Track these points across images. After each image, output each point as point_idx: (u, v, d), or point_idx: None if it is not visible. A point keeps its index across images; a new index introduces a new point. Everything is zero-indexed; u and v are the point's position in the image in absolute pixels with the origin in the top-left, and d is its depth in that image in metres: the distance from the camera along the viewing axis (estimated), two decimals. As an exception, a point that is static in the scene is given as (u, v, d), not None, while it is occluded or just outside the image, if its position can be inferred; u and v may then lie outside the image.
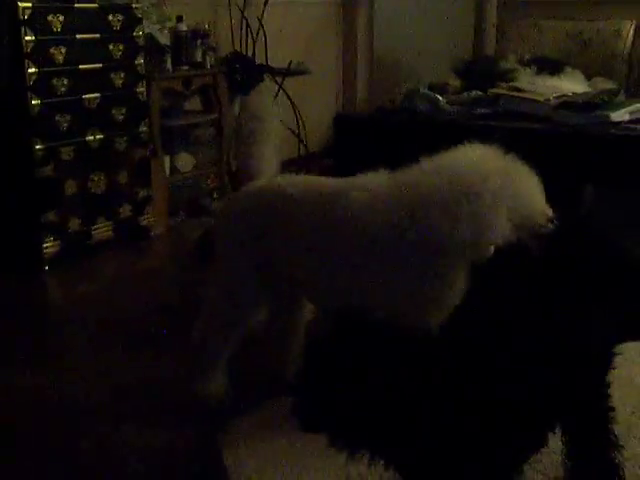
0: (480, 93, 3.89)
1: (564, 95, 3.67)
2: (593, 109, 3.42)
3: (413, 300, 2.18)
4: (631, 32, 5.51)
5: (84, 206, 4.42)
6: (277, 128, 2.61)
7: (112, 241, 4.59)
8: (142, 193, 4.75)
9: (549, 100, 3.56)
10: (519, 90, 3.67)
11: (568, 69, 4.45)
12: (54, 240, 4.29)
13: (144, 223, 4.78)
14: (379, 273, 2.22)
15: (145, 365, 3.14)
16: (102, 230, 4.54)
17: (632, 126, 3.31)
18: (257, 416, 2.62)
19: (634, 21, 5.49)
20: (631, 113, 3.42)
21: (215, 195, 5.56)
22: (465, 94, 3.91)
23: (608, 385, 1.88)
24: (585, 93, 3.80)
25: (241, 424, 2.56)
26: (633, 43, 5.51)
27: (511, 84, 3.84)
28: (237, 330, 2.61)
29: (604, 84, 4.44)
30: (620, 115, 3.36)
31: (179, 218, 5.10)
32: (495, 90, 3.74)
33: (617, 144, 3.00)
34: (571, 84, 4.13)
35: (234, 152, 2.73)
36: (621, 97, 3.87)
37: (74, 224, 4.38)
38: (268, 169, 2.61)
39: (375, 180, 2.36)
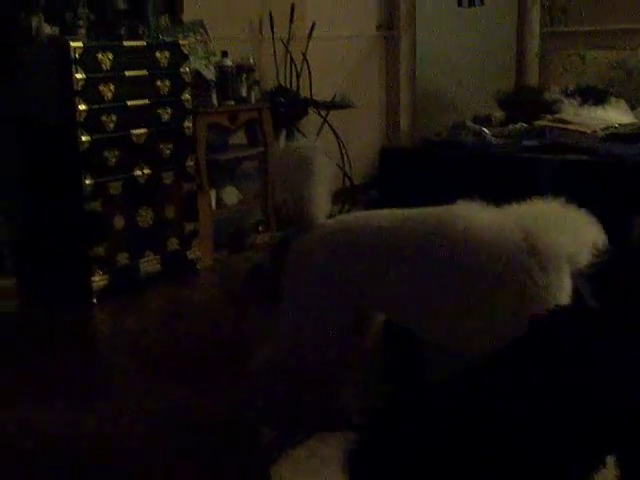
0: (525, 125, 3.87)
1: (610, 126, 3.65)
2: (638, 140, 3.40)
3: None
4: (674, 61, 5.50)
5: (132, 240, 4.48)
6: (328, 163, 2.64)
7: (159, 274, 4.64)
8: (189, 227, 4.80)
9: (595, 132, 3.53)
10: (565, 122, 3.66)
11: (612, 99, 4.42)
12: (103, 274, 4.35)
13: (191, 257, 4.83)
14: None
15: (194, 399, 3.16)
16: (150, 263, 4.59)
17: (680, 156, 3.28)
18: (309, 449, 2.62)
19: (677, 49, 5.48)
20: (678, 144, 3.39)
21: (260, 229, 5.59)
22: (510, 126, 3.89)
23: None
24: (631, 124, 3.77)
25: (293, 457, 2.56)
26: (677, 72, 5.49)
27: (556, 116, 3.82)
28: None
29: (650, 114, 4.41)
30: (667, 146, 3.33)
31: (225, 252, 5.14)
32: (541, 122, 3.72)
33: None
34: (616, 114, 4.10)
35: (281, 188, 2.59)
36: (667, 127, 3.85)
37: (122, 258, 4.44)
38: (325, 204, 2.64)
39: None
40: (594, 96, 4.40)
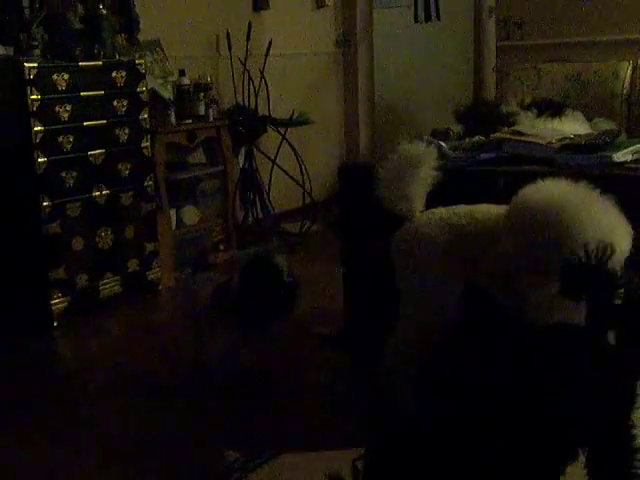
0: (482, 138, 3.89)
1: (566, 137, 3.68)
2: (595, 150, 3.43)
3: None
4: (629, 73, 5.54)
5: (91, 262, 4.44)
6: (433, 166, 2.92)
7: (120, 296, 4.60)
8: (149, 247, 4.76)
9: (551, 143, 3.56)
10: (521, 134, 3.68)
11: (569, 111, 4.45)
12: (62, 296, 4.30)
13: (151, 277, 4.79)
14: None
15: (157, 420, 3.13)
16: (110, 285, 4.55)
17: (634, 166, 3.31)
18: (268, 472, 2.60)
19: (632, 62, 5.53)
20: (633, 153, 3.42)
21: (221, 247, 5.57)
22: (467, 139, 3.91)
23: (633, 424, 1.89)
24: (587, 134, 3.80)
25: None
26: (631, 84, 5.54)
27: (513, 128, 3.85)
28: None
29: (605, 125, 4.45)
30: (622, 156, 3.36)
31: (186, 272, 5.10)
32: (498, 134, 3.75)
33: (620, 184, 2.99)
34: (572, 126, 4.14)
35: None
36: (622, 137, 3.88)
37: (82, 280, 4.40)
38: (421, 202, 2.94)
39: None
40: (550, 108, 4.43)
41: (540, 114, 4.34)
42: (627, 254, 2.34)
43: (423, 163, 2.89)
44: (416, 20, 7.38)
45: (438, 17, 7.44)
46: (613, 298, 1.88)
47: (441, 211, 2.92)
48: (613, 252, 1.98)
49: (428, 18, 7.42)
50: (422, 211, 2.95)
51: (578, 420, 1.82)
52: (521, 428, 1.79)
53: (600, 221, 2.49)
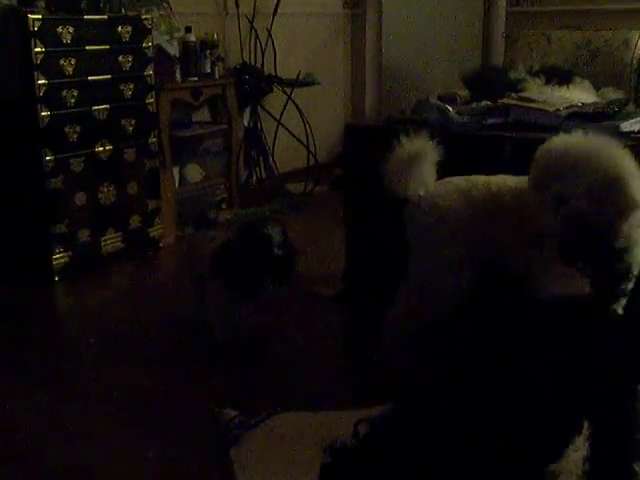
0: (489, 103, 3.86)
1: (573, 105, 3.65)
2: (602, 119, 3.41)
3: None
4: (639, 42, 5.50)
5: (93, 217, 4.43)
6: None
7: (122, 252, 4.59)
8: (151, 204, 4.75)
9: (559, 110, 3.53)
10: (528, 100, 3.65)
11: (577, 79, 4.41)
12: (64, 251, 4.30)
13: (153, 234, 4.79)
14: None
15: (155, 378, 3.14)
16: (112, 241, 4.55)
17: (640, 136, 3.29)
18: (268, 429, 2.61)
19: (642, 31, 5.49)
20: (640, 123, 3.40)
21: (223, 206, 5.55)
22: (474, 104, 3.89)
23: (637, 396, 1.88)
24: (594, 103, 3.77)
25: (252, 437, 2.55)
26: (641, 53, 5.49)
27: (520, 94, 3.82)
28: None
29: (613, 94, 4.41)
30: (630, 125, 3.34)
31: (188, 230, 5.09)
32: (505, 100, 3.72)
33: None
34: (580, 94, 4.10)
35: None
36: (630, 107, 3.85)
37: (83, 235, 4.39)
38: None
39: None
40: (558, 76, 4.39)
41: (548, 81, 4.29)
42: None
43: (424, 158, 2.88)
44: (426, -17, 7.31)
45: (449, -20, 7.37)
46: (615, 269, 1.87)
47: (458, 181, 2.92)
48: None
49: (438, -19, 7.35)
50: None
51: (586, 389, 1.81)
52: (530, 398, 1.78)
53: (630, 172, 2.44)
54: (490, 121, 3.55)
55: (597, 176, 2.40)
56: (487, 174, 2.95)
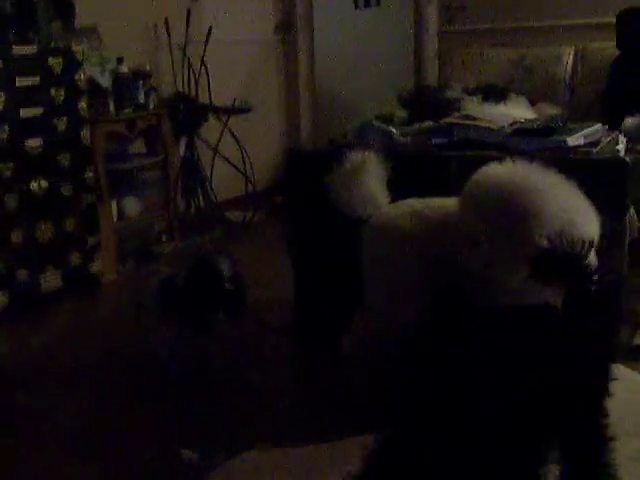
0: (431, 123, 3.85)
1: (517, 122, 3.65)
2: (548, 134, 3.40)
3: None
4: (571, 57, 5.58)
5: (31, 256, 4.29)
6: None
7: (62, 290, 4.45)
8: (91, 240, 4.62)
9: (502, 127, 3.52)
10: (472, 118, 3.64)
11: (513, 96, 4.44)
12: (1, 291, 4.15)
13: (94, 271, 4.66)
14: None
15: (104, 418, 3.02)
16: (51, 279, 4.41)
17: (588, 149, 3.29)
18: (225, 472, 2.51)
19: (573, 47, 5.55)
20: (585, 137, 3.40)
21: (163, 238, 5.44)
22: (417, 125, 3.86)
23: (606, 412, 1.84)
24: (536, 119, 3.78)
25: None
26: (573, 69, 5.56)
27: (463, 113, 3.81)
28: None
29: (549, 109, 4.44)
30: (577, 139, 3.34)
31: (128, 265, 4.97)
32: (449, 119, 3.70)
33: (575, 168, 2.96)
34: (518, 110, 4.11)
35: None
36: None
37: (22, 274, 4.25)
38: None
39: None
40: (495, 93, 4.41)
41: (485, 99, 4.30)
42: (595, 238, 2.29)
43: (369, 171, 2.90)
44: (356, 6, 7.34)
45: (378, 2, 7.40)
46: (587, 284, 1.83)
47: (412, 202, 2.88)
48: (586, 243, 1.94)
49: (368, 4, 7.38)
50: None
51: (554, 406, 1.77)
52: (496, 417, 1.73)
53: (563, 199, 2.45)
54: (436, 141, 3.53)
55: (501, 212, 2.42)
56: (435, 195, 2.92)
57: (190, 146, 5.79)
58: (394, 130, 3.61)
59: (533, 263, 1.99)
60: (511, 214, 2.40)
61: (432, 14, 6.53)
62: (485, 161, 2.83)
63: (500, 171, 2.57)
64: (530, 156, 2.92)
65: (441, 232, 2.74)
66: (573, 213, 2.45)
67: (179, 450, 2.58)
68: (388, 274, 2.84)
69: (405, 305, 2.80)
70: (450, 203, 2.82)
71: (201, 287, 3.08)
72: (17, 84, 4.16)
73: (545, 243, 2.34)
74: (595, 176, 3.00)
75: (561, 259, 1.87)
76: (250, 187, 6.08)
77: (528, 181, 2.47)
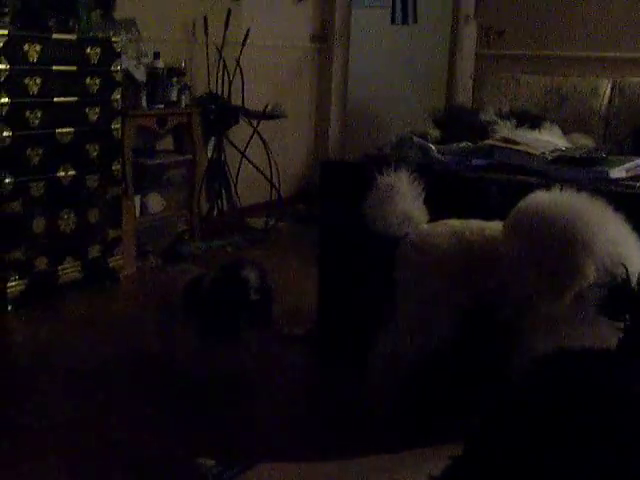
0: (470, 144, 3.79)
1: (558, 149, 3.59)
2: (590, 165, 3.33)
3: None
4: (608, 90, 5.51)
5: (52, 245, 4.23)
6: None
7: (80, 282, 4.39)
8: (112, 234, 4.56)
9: (544, 153, 3.46)
10: (513, 142, 3.57)
11: (546, 124, 4.39)
12: (19, 279, 4.09)
13: (113, 265, 4.59)
14: None
15: (122, 422, 2.95)
16: (70, 270, 4.34)
17: (631, 183, 3.22)
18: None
19: (611, 79, 5.49)
20: (627, 170, 3.33)
21: (185, 238, 5.39)
22: (455, 145, 3.80)
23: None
24: (577, 148, 3.72)
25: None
26: (610, 101, 5.50)
27: (504, 136, 3.75)
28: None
29: (583, 140, 4.39)
30: (618, 172, 3.27)
31: (150, 262, 4.91)
32: (489, 141, 3.64)
33: (617, 201, 2.91)
34: (551, 138, 4.06)
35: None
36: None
37: (41, 263, 4.18)
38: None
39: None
40: (529, 119, 4.35)
41: (519, 124, 4.24)
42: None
43: (404, 193, 2.84)
44: (393, 21, 7.28)
45: (415, 20, 7.34)
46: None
47: (454, 223, 2.84)
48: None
49: (405, 21, 7.32)
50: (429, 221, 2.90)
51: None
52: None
53: (612, 231, 2.41)
54: (475, 162, 3.46)
55: (551, 241, 2.39)
56: (472, 216, 2.88)
57: (218, 148, 5.74)
58: (433, 147, 3.54)
59: (605, 294, 1.91)
60: (561, 243, 2.36)
61: (470, 35, 6.47)
62: (529, 187, 2.78)
63: (549, 198, 2.52)
64: (574, 185, 2.87)
65: (482, 255, 2.68)
66: (621, 245, 2.41)
67: (196, 459, 2.50)
68: (422, 292, 2.80)
69: (437, 323, 2.76)
70: (491, 226, 2.77)
71: (227, 294, 3.02)
72: (53, 70, 4.10)
73: (594, 274, 2.30)
74: (637, 210, 2.95)
75: (632, 293, 1.79)
76: (275, 194, 6.02)
77: (578, 210, 2.43)
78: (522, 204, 2.55)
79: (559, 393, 1.57)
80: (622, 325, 1.80)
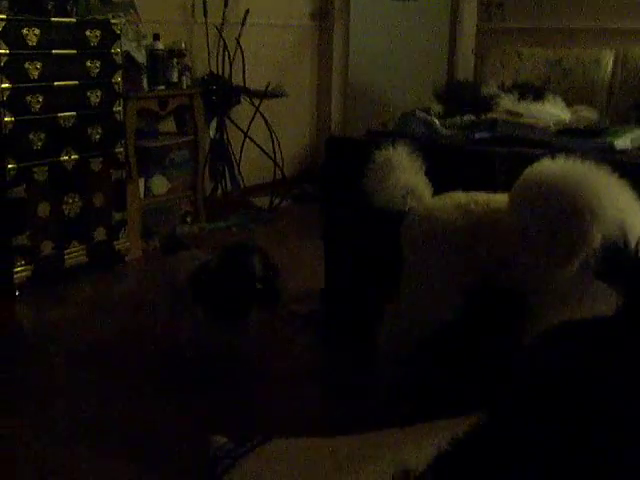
0: (473, 117, 3.77)
1: (562, 121, 3.57)
2: (595, 136, 3.32)
3: None
4: (611, 62, 5.47)
5: (57, 229, 4.23)
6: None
7: (86, 266, 4.39)
8: (117, 216, 4.56)
9: (548, 125, 3.45)
10: (517, 115, 3.56)
11: (549, 96, 4.36)
12: (26, 264, 4.09)
13: (119, 248, 4.59)
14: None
15: (132, 401, 2.96)
16: (76, 254, 4.34)
17: (636, 154, 3.20)
18: (258, 458, 2.44)
19: (614, 51, 5.45)
20: (632, 140, 3.32)
21: (188, 219, 5.39)
22: (458, 118, 3.79)
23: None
24: (581, 119, 3.70)
25: (244, 466, 2.37)
26: (613, 73, 5.46)
27: (507, 108, 3.73)
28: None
29: (586, 112, 4.37)
30: (623, 142, 3.26)
31: (153, 244, 4.90)
32: (492, 114, 3.62)
33: (621, 171, 2.89)
34: (555, 110, 4.04)
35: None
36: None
37: (47, 248, 4.19)
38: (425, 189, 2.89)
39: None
40: (532, 92, 4.34)
41: (521, 97, 4.22)
42: None
43: (403, 161, 2.82)
44: (393, -3, 7.23)
45: (416, -5, 7.30)
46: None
47: (459, 196, 2.81)
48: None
49: (405, -4, 7.27)
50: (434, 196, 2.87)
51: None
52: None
53: (617, 199, 2.40)
54: (478, 135, 3.45)
55: (558, 208, 2.37)
56: (476, 189, 2.85)
57: (221, 128, 5.72)
58: (437, 121, 3.53)
59: (601, 260, 1.89)
60: (568, 210, 2.34)
61: (470, 10, 6.44)
62: (533, 159, 2.76)
63: (554, 167, 2.50)
64: (579, 155, 2.86)
65: (489, 227, 2.67)
66: (626, 213, 2.40)
67: (208, 437, 2.50)
68: (428, 267, 2.78)
69: (443, 300, 2.75)
70: (496, 198, 2.76)
71: (232, 283, 3.00)
72: (53, 54, 4.08)
73: (600, 241, 2.29)
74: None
75: (630, 258, 1.77)
76: (279, 173, 6.01)
77: (584, 178, 2.42)
78: (528, 173, 2.53)
79: (574, 362, 1.56)
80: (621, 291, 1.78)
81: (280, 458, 2.36)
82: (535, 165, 2.56)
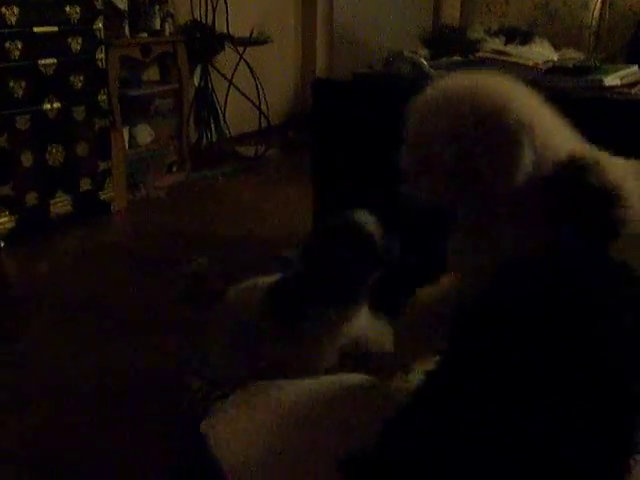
0: (460, 58, 3.73)
1: (551, 60, 3.53)
2: (584, 73, 3.28)
3: None
4: (598, 4, 5.43)
5: (41, 179, 4.17)
6: None
7: (71, 216, 4.34)
8: (102, 166, 4.50)
9: (538, 64, 3.40)
10: (506, 54, 3.51)
11: (537, 39, 4.32)
12: (10, 215, 4.04)
13: (104, 197, 4.54)
14: None
15: (110, 346, 2.95)
16: (61, 204, 4.29)
17: (626, 90, 3.17)
18: (239, 400, 2.41)
19: (601, -8, 5.41)
20: (622, 78, 3.28)
21: (174, 169, 5.34)
22: (445, 59, 3.75)
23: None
24: (572, 58, 3.66)
25: (223, 410, 2.34)
26: (600, 15, 5.43)
27: (495, 48, 3.68)
28: None
29: (573, 54, 4.32)
30: (613, 80, 3.22)
31: (139, 193, 4.85)
32: (480, 54, 3.58)
33: (611, 108, 2.86)
34: (542, 54, 4.00)
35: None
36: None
37: (31, 198, 4.13)
38: None
39: None
40: (518, 36, 4.29)
41: (508, 41, 4.18)
42: None
43: None
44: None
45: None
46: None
47: None
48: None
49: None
50: None
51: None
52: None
53: (548, 122, 2.00)
54: (467, 75, 3.40)
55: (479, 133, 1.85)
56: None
57: (205, 76, 5.65)
58: (424, 61, 3.48)
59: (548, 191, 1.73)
60: (491, 131, 1.85)
61: (456, -48, 6.35)
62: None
63: (463, 82, 1.96)
64: (565, 95, 2.82)
65: None
66: (556, 137, 1.98)
67: (185, 378, 2.47)
68: None
69: None
70: None
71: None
72: (31, -1, 4.00)
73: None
74: (633, 116, 2.91)
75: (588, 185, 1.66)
76: (264, 121, 5.95)
77: (513, 92, 2.01)
78: (427, 93, 2.01)
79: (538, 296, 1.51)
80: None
81: (261, 401, 2.32)
82: (434, 82, 2.07)
